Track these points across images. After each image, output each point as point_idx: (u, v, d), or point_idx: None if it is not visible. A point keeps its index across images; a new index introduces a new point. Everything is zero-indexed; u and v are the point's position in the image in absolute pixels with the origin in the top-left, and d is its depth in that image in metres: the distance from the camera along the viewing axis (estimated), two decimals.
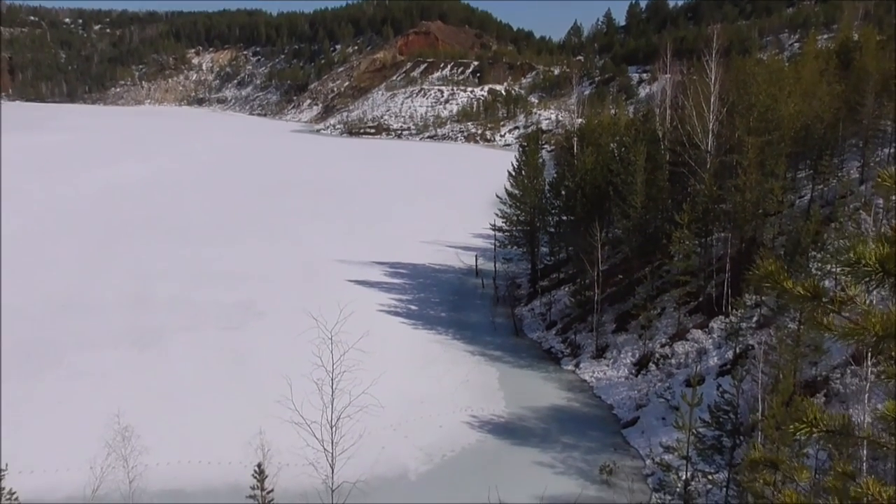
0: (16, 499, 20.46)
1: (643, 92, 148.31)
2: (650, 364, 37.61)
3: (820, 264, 31.66)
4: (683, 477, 24.14)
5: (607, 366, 39.61)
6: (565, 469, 29.80)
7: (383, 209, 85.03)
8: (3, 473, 20.35)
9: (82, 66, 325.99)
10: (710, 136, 41.73)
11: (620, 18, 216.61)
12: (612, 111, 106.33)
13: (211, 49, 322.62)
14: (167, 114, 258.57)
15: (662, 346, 38.41)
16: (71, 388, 36.11)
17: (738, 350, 34.05)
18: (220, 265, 58.76)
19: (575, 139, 60.14)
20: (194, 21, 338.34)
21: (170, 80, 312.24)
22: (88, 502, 20.63)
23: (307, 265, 59.48)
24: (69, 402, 34.19)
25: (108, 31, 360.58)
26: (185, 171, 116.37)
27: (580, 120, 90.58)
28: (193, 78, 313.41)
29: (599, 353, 40.77)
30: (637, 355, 39.01)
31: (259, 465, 19.09)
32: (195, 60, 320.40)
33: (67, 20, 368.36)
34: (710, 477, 24.55)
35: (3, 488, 20.30)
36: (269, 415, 23.75)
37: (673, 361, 36.94)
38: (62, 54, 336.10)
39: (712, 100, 41.38)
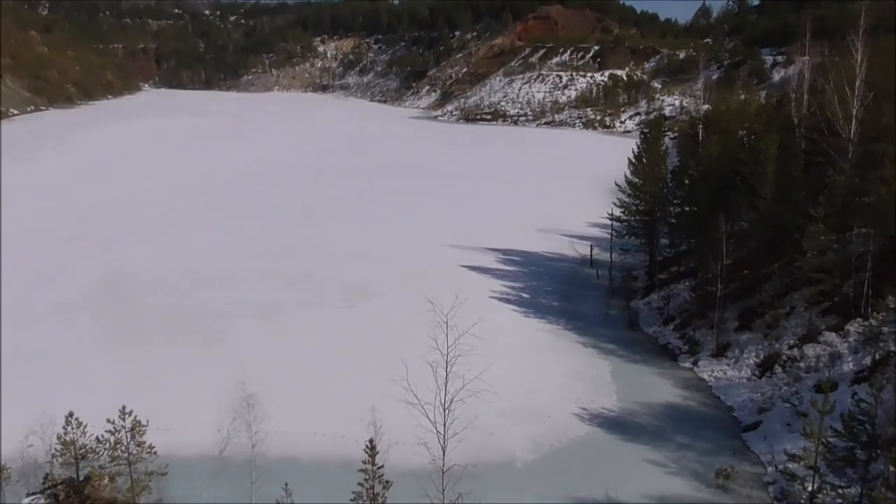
0: (155, 453, 22.40)
1: (777, 76, 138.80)
2: (776, 366, 35.43)
3: None
4: (809, 488, 22.60)
5: (728, 365, 37.72)
6: (678, 469, 28.74)
7: (498, 195, 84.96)
8: (144, 429, 22.38)
9: (218, 55, 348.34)
10: (854, 122, 38.47)
11: None
12: (742, 96, 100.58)
13: (335, 37, 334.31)
14: (293, 100, 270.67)
15: (790, 347, 36.05)
16: (203, 354, 38.94)
17: (877, 356, 31.36)
18: (339, 245, 61.15)
19: (700, 126, 57.53)
20: (320, 10, 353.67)
21: (297, 68, 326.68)
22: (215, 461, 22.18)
23: (422, 248, 60.59)
24: (201, 367, 36.88)
25: (242, 21, 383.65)
26: (309, 154, 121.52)
27: (706, 106, 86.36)
28: (318, 65, 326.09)
29: (720, 352, 38.88)
30: (761, 356, 36.86)
31: (371, 441, 19.54)
32: (320, 48, 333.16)
33: (207, 12, 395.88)
34: (840, 490, 22.80)
35: (145, 442, 22.30)
36: (383, 393, 24.46)
37: (802, 364, 34.59)
38: (201, 44, 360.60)
39: (857, 84, 38.07)
